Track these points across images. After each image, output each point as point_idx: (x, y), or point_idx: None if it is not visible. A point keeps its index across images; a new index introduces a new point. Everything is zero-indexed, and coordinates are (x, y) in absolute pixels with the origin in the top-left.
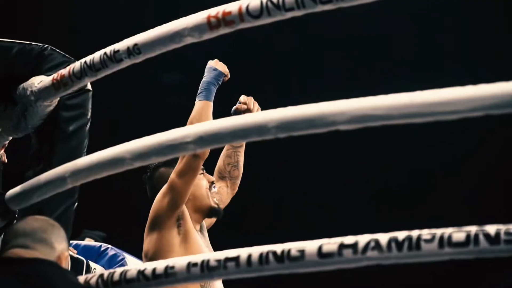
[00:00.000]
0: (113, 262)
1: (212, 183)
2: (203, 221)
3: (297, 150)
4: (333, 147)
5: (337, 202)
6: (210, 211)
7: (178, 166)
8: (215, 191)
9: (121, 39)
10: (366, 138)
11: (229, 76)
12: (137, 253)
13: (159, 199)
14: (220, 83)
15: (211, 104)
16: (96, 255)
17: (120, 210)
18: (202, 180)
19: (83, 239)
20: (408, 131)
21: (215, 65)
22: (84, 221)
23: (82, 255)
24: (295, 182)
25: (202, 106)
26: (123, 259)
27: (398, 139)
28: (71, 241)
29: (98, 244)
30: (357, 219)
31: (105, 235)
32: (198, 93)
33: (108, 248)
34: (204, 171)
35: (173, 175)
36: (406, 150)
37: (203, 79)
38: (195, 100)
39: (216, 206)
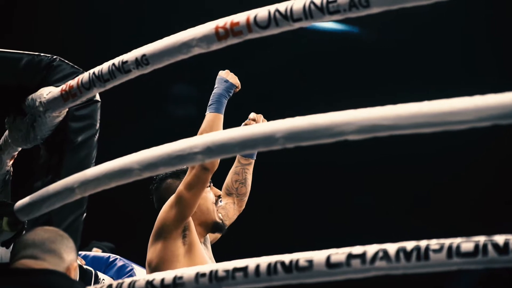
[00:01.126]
0: (121, 272)
1: (219, 197)
2: (207, 235)
3: (308, 161)
4: (344, 159)
5: (348, 213)
6: (214, 226)
7: (187, 178)
8: (221, 205)
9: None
10: (377, 149)
11: (240, 87)
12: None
13: (166, 209)
14: (231, 95)
15: (221, 116)
16: (105, 265)
17: (127, 221)
18: (209, 193)
19: (90, 250)
20: (419, 142)
21: (226, 76)
22: (92, 232)
23: (91, 265)
24: (305, 193)
25: (213, 118)
26: (131, 269)
27: (408, 151)
28: (79, 252)
29: (106, 254)
30: (368, 230)
31: (113, 246)
32: (208, 104)
33: (116, 259)
34: (211, 184)
35: (181, 187)
36: (416, 161)
37: (214, 91)
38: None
39: (220, 221)
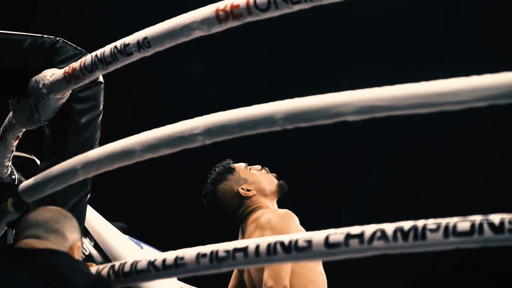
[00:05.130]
0: None
1: (261, 169)
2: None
3: (322, 139)
4: (359, 137)
5: (362, 191)
6: (280, 189)
7: None
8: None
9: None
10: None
11: None
12: (156, 244)
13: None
14: None
15: None
16: None
17: (141, 201)
18: (254, 176)
19: None
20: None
21: None
22: (106, 213)
23: None
24: (319, 171)
25: None
26: (141, 249)
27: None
28: None
29: None
30: (381, 209)
31: (125, 226)
32: None
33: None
34: (248, 166)
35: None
36: (428, 140)
37: None
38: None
39: (280, 181)
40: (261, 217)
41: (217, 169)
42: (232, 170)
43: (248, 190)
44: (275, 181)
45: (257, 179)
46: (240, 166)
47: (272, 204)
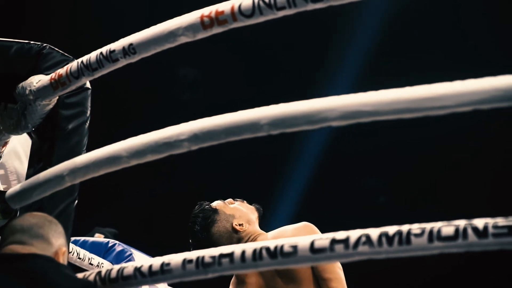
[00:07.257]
0: (120, 257)
1: (231, 201)
2: None
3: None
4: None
5: (359, 195)
6: (259, 212)
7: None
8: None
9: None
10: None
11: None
12: (146, 250)
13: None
14: None
15: None
16: (104, 251)
17: (132, 208)
18: (237, 209)
19: (93, 235)
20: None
21: None
22: (97, 218)
23: (90, 251)
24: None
25: None
26: (130, 254)
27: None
28: (79, 237)
29: (105, 240)
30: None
31: (116, 232)
32: None
33: (115, 244)
34: (224, 202)
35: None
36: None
37: None
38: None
39: (254, 205)
40: (278, 236)
41: (200, 214)
42: (216, 211)
43: (240, 224)
44: (253, 207)
45: (241, 212)
46: (219, 204)
47: (259, 228)
